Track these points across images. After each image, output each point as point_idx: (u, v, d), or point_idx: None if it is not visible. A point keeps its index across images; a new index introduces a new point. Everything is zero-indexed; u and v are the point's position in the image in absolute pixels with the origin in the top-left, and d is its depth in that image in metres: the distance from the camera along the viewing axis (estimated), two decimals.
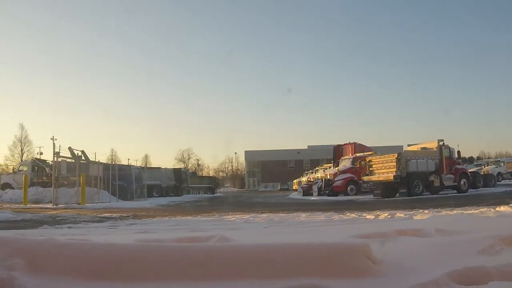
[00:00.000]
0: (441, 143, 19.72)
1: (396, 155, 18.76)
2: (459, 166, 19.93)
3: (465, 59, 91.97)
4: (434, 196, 17.85)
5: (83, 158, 21.48)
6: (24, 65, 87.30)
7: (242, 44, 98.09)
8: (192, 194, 37.27)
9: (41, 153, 30.40)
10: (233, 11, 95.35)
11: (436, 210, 8.91)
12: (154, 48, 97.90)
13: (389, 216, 7.68)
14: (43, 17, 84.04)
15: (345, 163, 24.44)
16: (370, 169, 19.90)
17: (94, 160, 22.34)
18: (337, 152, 28.00)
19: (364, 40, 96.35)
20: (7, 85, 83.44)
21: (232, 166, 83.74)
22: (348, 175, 23.14)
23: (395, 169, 18.16)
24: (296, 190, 37.79)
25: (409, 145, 21.73)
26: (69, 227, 7.59)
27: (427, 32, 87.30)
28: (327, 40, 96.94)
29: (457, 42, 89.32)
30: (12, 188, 24.83)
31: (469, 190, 19.66)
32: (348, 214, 8.95)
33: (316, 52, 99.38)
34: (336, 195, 21.91)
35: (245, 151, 73.98)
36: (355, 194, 21.83)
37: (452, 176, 19.11)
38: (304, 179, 36.75)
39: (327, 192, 23.00)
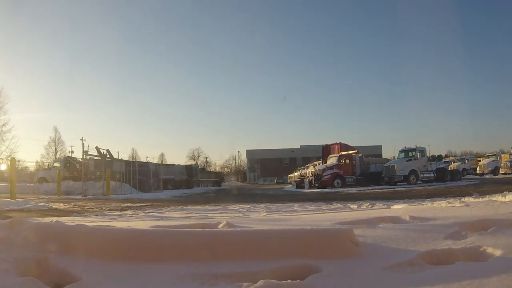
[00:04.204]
0: None
1: None
2: None
3: (436, 71, 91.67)
4: (409, 188, 17.92)
5: (108, 156, 21.43)
6: (58, 75, 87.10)
7: (245, 58, 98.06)
8: (201, 187, 37.14)
9: (72, 152, 30.29)
10: (239, 29, 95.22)
11: (410, 200, 8.90)
12: (171, 62, 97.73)
13: (369, 206, 7.67)
14: (68, 23, 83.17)
15: (332, 160, 24.43)
16: None
17: (117, 158, 22.33)
18: (325, 151, 28.00)
19: (348, 55, 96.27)
20: (42, 94, 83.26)
21: (235, 162, 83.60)
22: (334, 170, 23.14)
23: None
24: (290, 183, 37.77)
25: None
26: (96, 215, 7.58)
27: (404, 43, 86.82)
28: (318, 54, 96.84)
29: (429, 51, 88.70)
30: (47, 181, 24.81)
31: (438, 183, 19.86)
32: (335, 204, 8.94)
33: (308, 65, 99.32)
34: (325, 188, 21.91)
35: (247, 150, 74.01)
36: (340, 187, 21.83)
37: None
38: (297, 174, 36.71)
39: (316, 185, 22.99)
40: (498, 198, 7.17)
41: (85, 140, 19.10)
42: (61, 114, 78.01)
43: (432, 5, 76.10)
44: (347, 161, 23.88)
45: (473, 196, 8.52)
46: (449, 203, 6.74)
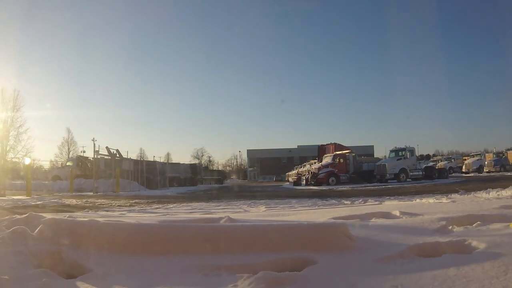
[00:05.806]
0: None
1: None
2: None
3: (425, 75, 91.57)
4: (400, 185, 17.91)
5: (117, 155, 21.46)
6: (70, 79, 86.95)
7: (246, 64, 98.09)
8: (204, 184, 37.08)
9: (84, 152, 30.30)
10: (241, 35, 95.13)
11: (400, 197, 8.88)
12: (177, 67, 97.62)
13: (362, 202, 7.64)
14: (78, 26, 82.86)
15: (327, 159, 24.41)
16: None
17: (126, 157, 22.34)
18: (321, 150, 27.98)
19: (342, 60, 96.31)
20: (56, 96, 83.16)
21: (236, 161, 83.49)
22: (329, 169, 23.12)
23: None
24: (288, 181, 37.74)
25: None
26: (107, 211, 7.57)
27: (394, 47, 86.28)
28: (315, 59, 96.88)
29: (418, 55, 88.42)
30: (60, 179, 24.81)
31: (426, 181, 19.95)
32: (330, 200, 8.93)
33: (304, 70, 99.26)
34: (320, 185, 21.88)
35: (247, 150, 73.89)
36: (335, 184, 21.80)
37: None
38: (294, 172, 36.66)
39: (312, 183, 22.96)
40: (482, 195, 7.17)
41: (96, 140, 19.25)
42: (74, 115, 77.87)
43: (419, 10, 75.94)
44: (341, 160, 23.87)
45: (459, 193, 8.51)
46: (437, 199, 6.73)
